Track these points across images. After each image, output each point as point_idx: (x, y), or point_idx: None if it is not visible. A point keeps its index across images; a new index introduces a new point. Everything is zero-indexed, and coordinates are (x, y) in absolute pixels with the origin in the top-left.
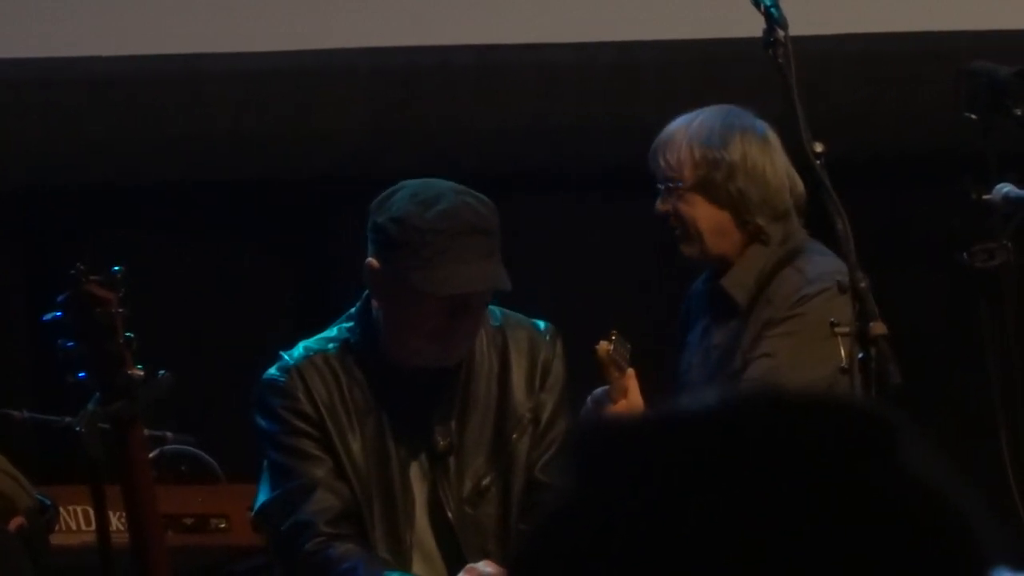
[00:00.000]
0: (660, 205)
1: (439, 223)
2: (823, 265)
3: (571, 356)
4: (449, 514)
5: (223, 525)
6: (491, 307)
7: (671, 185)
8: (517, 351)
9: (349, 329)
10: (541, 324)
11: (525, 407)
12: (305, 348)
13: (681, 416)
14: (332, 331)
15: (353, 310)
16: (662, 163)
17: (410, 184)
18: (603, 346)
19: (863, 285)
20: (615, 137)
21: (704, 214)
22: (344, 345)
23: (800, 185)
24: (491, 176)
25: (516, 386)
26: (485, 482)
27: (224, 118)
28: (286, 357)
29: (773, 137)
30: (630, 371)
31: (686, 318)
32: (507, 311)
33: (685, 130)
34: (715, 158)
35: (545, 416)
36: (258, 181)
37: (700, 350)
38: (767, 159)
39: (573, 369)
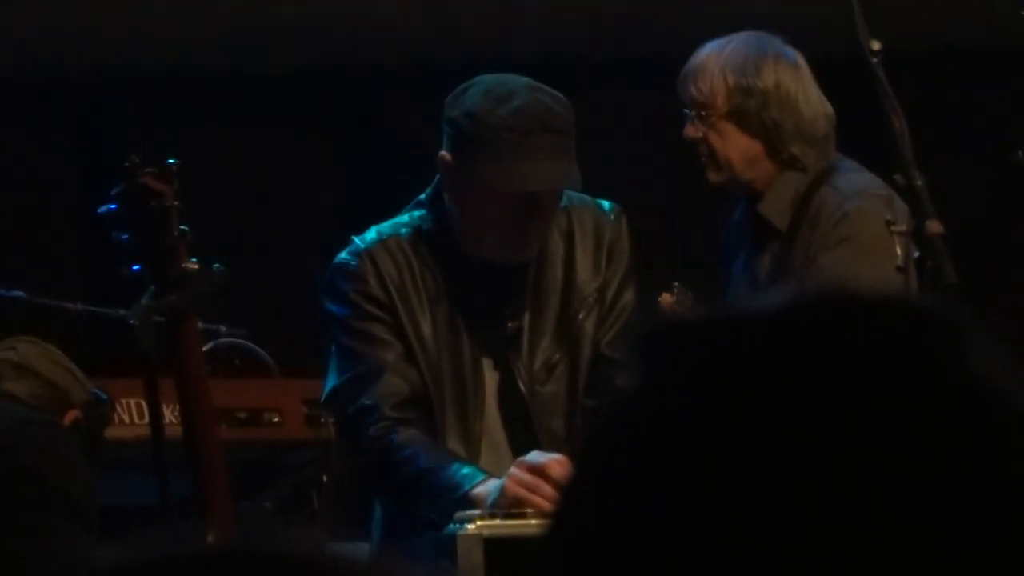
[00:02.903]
0: (690, 131)
1: (512, 120)
2: (858, 181)
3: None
4: (522, 388)
5: (276, 419)
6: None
7: (703, 113)
8: (582, 231)
9: (421, 216)
10: (606, 204)
11: (591, 287)
12: (377, 232)
13: (750, 315)
14: (404, 217)
15: (423, 197)
16: (693, 90)
17: (484, 79)
18: (666, 298)
19: (919, 183)
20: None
21: (736, 143)
22: (417, 231)
23: (830, 108)
24: (543, 68)
25: (581, 266)
26: (554, 359)
27: (280, 8)
28: (357, 241)
29: (804, 64)
30: None
31: (726, 250)
32: (573, 193)
33: (717, 57)
34: (748, 86)
35: (610, 294)
36: (312, 73)
37: (746, 281)
38: (800, 86)
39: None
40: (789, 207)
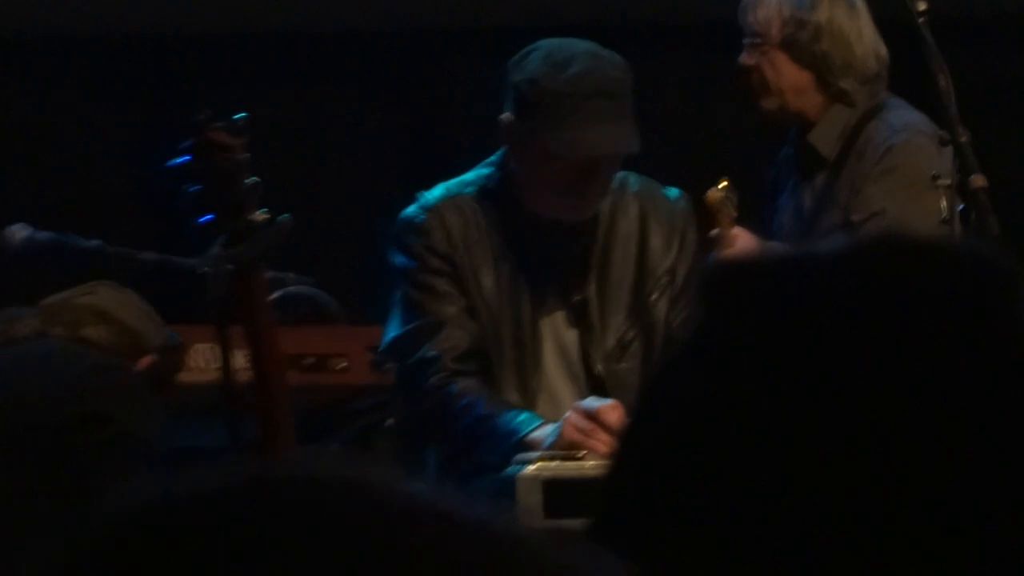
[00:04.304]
0: (745, 58)
1: (571, 86)
2: (906, 116)
3: None
4: (599, 367)
5: (342, 365)
6: (630, 174)
7: (757, 40)
8: (656, 217)
9: (488, 175)
10: (675, 192)
11: (663, 268)
12: (445, 188)
13: (809, 257)
14: (471, 175)
15: (493, 157)
16: (751, 18)
17: (546, 44)
18: (712, 193)
19: (963, 139)
20: None
21: (787, 72)
22: (482, 189)
23: (884, 50)
24: (597, 28)
25: (654, 249)
26: (628, 337)
27: None
28: (426, 196)
29: (861, 4)
30: (736, 228)
31: (775, 183)
32: (644, 178)
33: None
34: (802, 19)
35: (681, 277)
36: (373, 32)
37: (790, 209)
38: (854, 24)
39: None
40: (838, 138)
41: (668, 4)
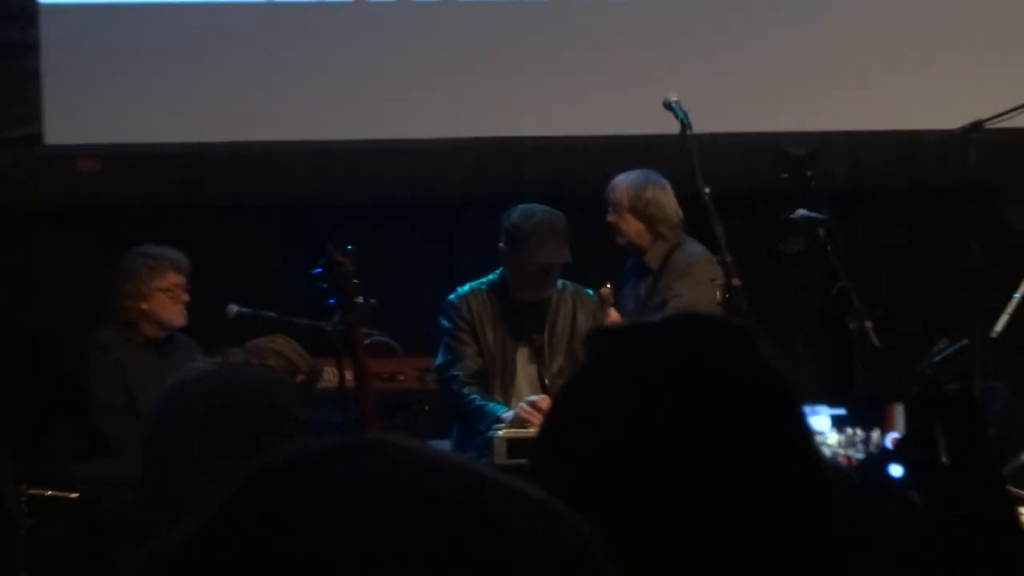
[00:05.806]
0: (610, 218)
1: (537, 228)
2: (696, 248)
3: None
4: (546, 382)
5: (402, 378)
6: (568, 283)
7: (615, 207)
8: (582, 304)
9: (494, 279)
10: (592, 291)
11: (584, 331)
12: (470, 286)
13: (644, 325)
14: (485, 279)
15: (499, 270)
16: (611, 196)
17: (520, 207)
18: (604, 290)
19: (729, 260)
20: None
21: (632, 224)
22: (491, 286)
23: (681, 212)
24: (550, 199)
25: (581, 320)
26: (564, 368)
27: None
28: (459, 289)
29: (669, 187)
30: (613, 311)
31: (624, 283)
32: (576, 284)
33: (624, 181)
34: (640, 195)
35: None
36: (420, 204)
37: (633, 299)
38: (666, 198)
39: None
40: (660, 259)
41: (585, 188)
